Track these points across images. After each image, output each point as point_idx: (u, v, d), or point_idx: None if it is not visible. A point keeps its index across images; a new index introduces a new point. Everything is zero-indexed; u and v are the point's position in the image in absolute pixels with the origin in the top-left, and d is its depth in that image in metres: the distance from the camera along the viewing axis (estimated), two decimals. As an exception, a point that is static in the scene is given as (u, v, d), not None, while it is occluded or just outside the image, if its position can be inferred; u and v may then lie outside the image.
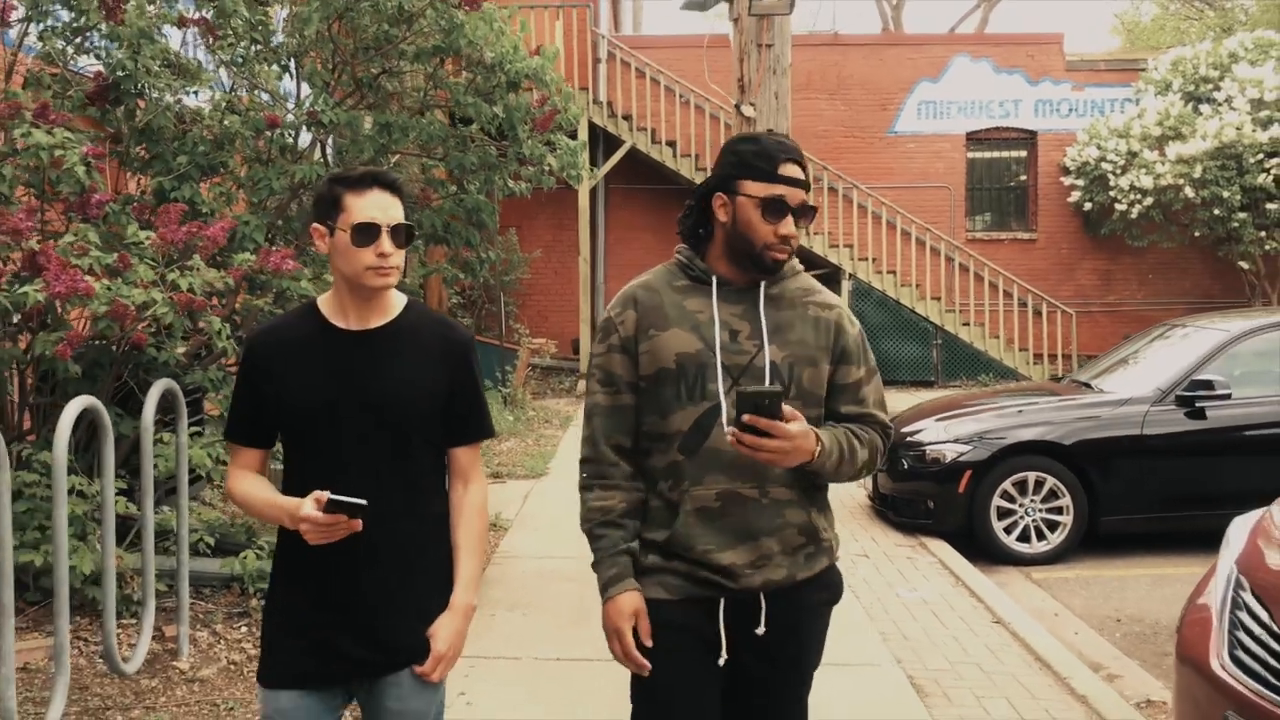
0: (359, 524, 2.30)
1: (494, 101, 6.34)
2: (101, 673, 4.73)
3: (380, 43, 6.16)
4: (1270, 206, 14.78)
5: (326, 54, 6.41)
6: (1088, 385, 8.20)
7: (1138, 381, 7.78)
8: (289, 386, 2.44)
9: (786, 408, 2.27)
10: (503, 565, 6.77)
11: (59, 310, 4.92)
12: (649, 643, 2.43)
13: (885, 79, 17.67)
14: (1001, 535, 7.41)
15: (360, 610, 2.43)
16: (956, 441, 7.60)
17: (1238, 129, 14.53)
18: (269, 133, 5.99)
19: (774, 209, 2.41)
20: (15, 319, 5.01)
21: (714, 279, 2.50)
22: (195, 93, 6.14)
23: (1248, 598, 3.48)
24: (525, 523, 7.91)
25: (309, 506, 2.29)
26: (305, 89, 6.59)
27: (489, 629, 5.55)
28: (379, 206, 2.40)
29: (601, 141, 16.42)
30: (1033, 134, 17.63)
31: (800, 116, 16.89)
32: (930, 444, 7.69)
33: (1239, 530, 3.94)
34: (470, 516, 2.57)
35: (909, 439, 7.87)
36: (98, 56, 6.12)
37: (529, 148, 6.55)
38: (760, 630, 2.45)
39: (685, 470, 2.44)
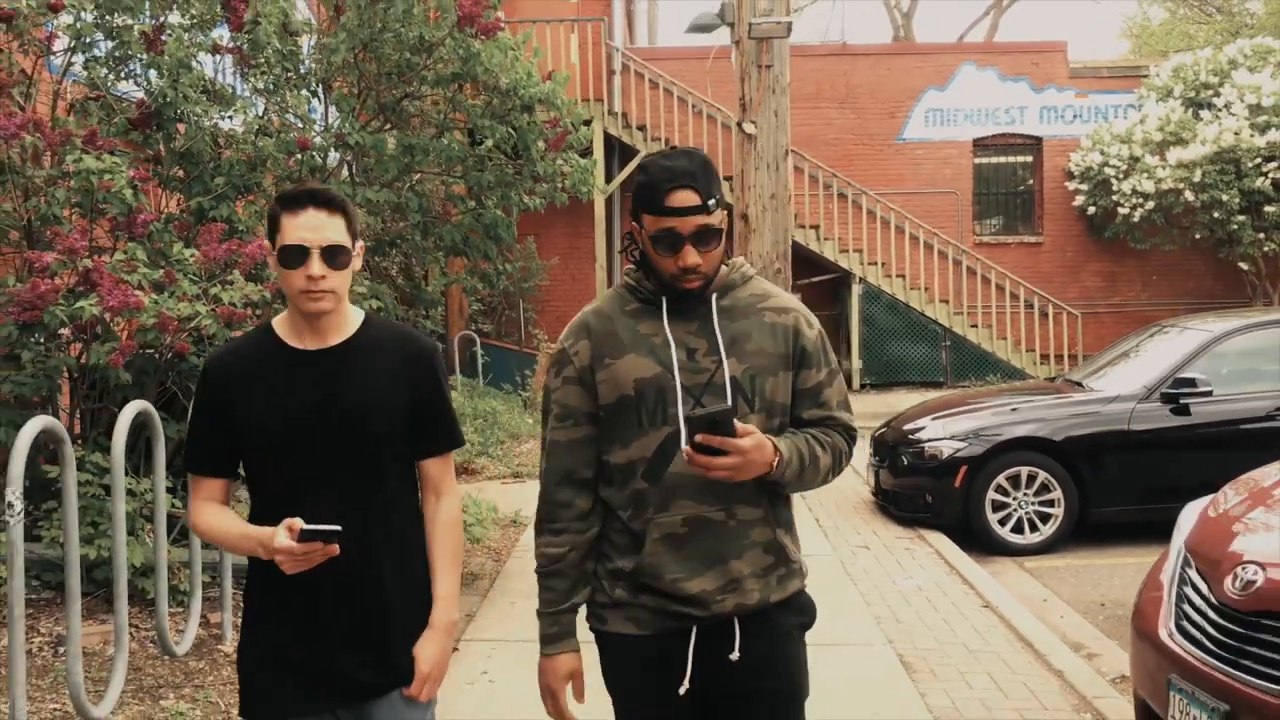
0: (335, 549, 2.26)
1: (509, 123, 6.77)
2: (152, 655, 5.14)
3: (402, 70, 6.61)
4: (1268, 209, 15.08)
5: (352, 80, 6.84)
6: (1080, 384, 8.55)
7: (1126, 380, 8.13)
8: (252, 412, 2.39)
9: (739, 424, 2.23)
10: (522, 558, 7.16)
11: (109, 322, 5.34)
12: (582, 701, 2.45)
13: (893, 88, 18.04)
14: (996, 527, 7.77)
15: (341, 635, 2.39)
16: (953, 438, 7.97)
17: (1236, 134, 14.84)
18: (300, 154, 6.41)
19: (665, 243, 2.32)
20: (65, 331, 5.43)
21: (663, 299, 2.42)
22: (230, 117, 6.57)
23: (1192, 573, 3.85)
24: (542, 520, 8.28)
25: (283, 536, 2.23)
26: (333, 112, 7.03)
27: (509, 616, 5.94)
28: (310, 227, 2.33)
29: (616, 151, 16.85)
30: (1038, 140, 17.96)
31: (810, 125, 17.30)
32: (928, 441, 8.06)
33: (1189, 514, 4.31)
34: (445, 531, 2.53)
35: (909, 436, 8.25)
36: (137, 83, 6.56)
37: (543, 166, 6.98)
38: (734, 656, 2.38)
39: (649, 498, 2.38)
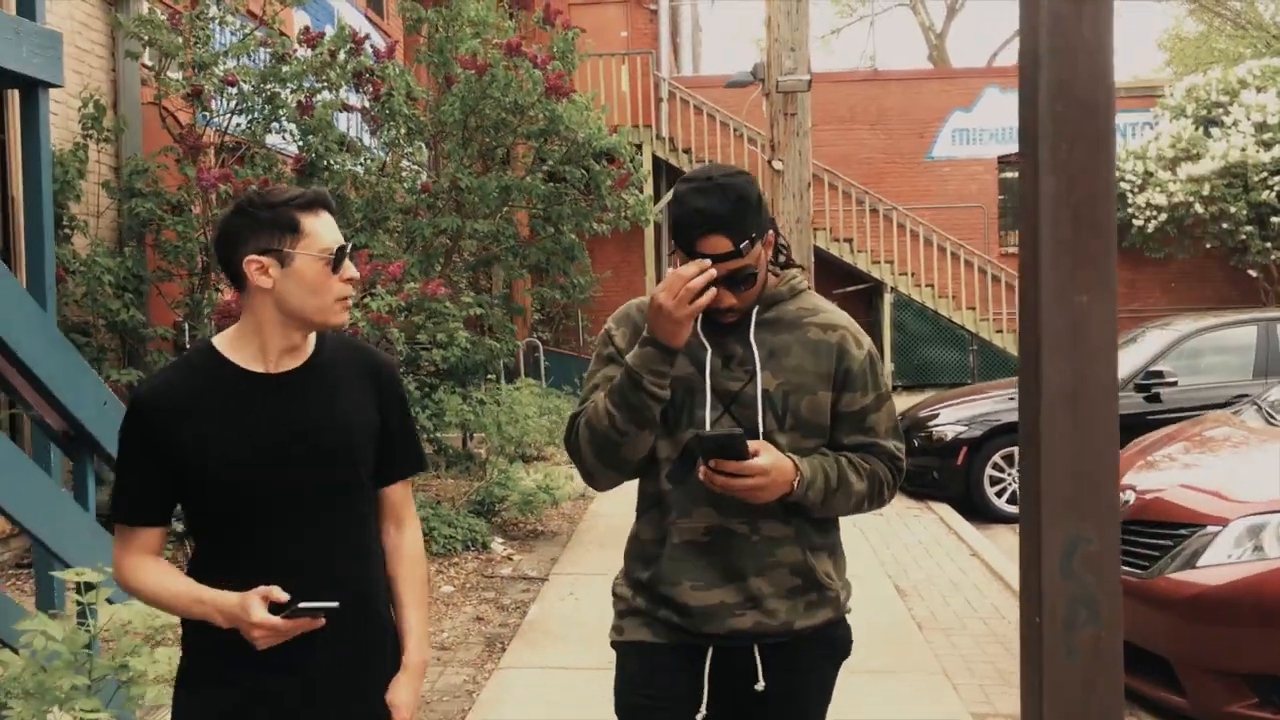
0: (322, 620, 1.98)
1: (584, 166, 8.40)
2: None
3: (498, 125, 8.22)
4: (1275, 220, 16.29)
5: (458, 133, 8.45)
6: (1069, 377, 9.92)
7: (1106, 373, 9.48)
8: (209, 447, 2.04)
9: (751, 443, 2.11)
10: (592, 521, 8.71)
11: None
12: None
13: (921, 110, 19.44)
14: (993, 499, 9.17)
15: (312, 696, 2.08)
16: (956, 423, 9.39)
17: (1243, 150, 16.06)
18: (420, 195, 8.03)
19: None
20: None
21: None
22: (361, 164, 8.19)
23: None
24: (607, 494, 9.80)
25: (259, 610, 1.94)
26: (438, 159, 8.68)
27: (584, 558, 7.47)
28: (334, 230, 2.11)
29: (664, 173, 18.40)
30: (1060, 156, 19.21)
31: (844, 145, 18.74)
32: (935, 426, 9.47)
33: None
34: (411, 564, 2.26)
35: (920, 422, 9.67)
36: (283, 137, 8.17)
37: (610, 200, 8.57)
38: (760, 686, 2.25)
39: (672, 500, 2.26)
